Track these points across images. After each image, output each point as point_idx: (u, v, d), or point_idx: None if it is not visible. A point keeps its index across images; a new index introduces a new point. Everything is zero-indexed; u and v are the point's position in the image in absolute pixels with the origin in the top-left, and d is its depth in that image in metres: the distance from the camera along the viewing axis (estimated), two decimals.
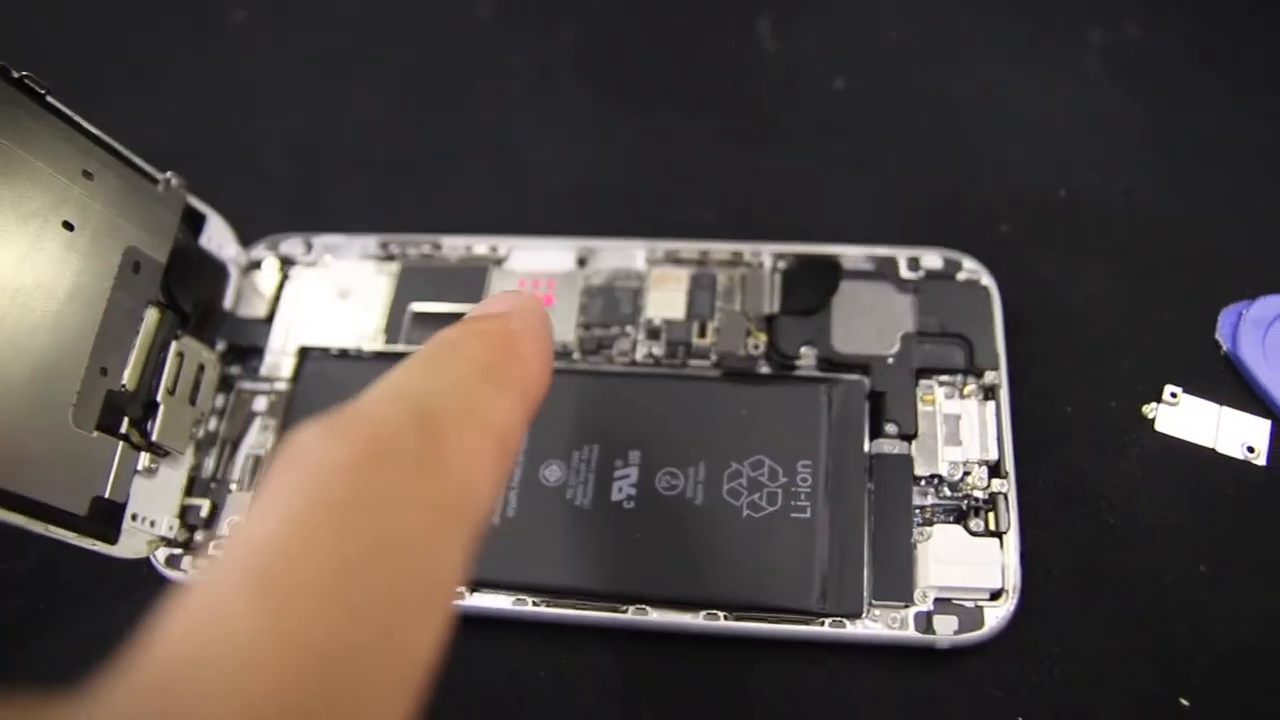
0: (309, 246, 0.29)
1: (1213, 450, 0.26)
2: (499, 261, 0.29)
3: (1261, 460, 0.25)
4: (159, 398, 0.26)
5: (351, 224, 0.30)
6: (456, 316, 0.27)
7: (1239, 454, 0.25)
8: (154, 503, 0.26)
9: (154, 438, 0.25)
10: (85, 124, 0.24)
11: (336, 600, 0.13)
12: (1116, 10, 0.33)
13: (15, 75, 0.22)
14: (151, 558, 0.26)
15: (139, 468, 0.25)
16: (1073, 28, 0.33)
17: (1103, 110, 0.31)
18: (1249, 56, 0.32)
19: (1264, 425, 0.26)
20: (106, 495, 0.24)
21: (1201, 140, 0.30)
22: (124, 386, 0.25)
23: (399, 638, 0.14)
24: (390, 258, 0.29)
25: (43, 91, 0.23)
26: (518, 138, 0.33)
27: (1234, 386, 0.26)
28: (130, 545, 0.25)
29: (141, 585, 0.26)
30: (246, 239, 0.29)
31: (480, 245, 0.29)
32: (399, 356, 0.27)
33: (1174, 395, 0.26)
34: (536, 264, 0.29)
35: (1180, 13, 0.32)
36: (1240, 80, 0.31)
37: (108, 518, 0.24)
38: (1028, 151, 0.31)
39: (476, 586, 0.24)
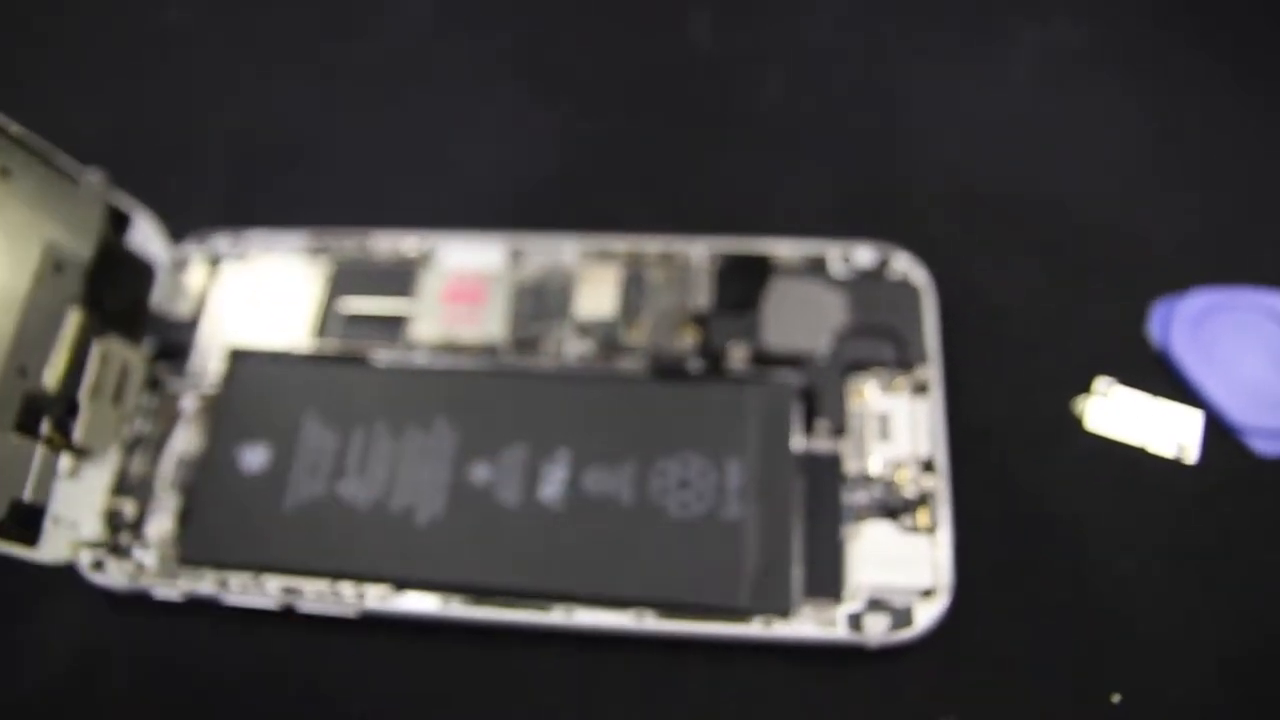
0: (238, 243, 0.29)
1: (1145, 445, 0.26)
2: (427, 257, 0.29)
3: (1193, 455, 0.25)
4: (81, 398, 0.25)
5: (284, 221, 0.30)
6: (390, 316, 0.28)
7: (1170, 449, 0.26)
8: (77, 505, 0.25)
9: (76, 439, 0.25)
10: (2, 121, 0.23)
11: None
12: (1050, 11, 0.33)
13: None
14: (75, 561, 0.25)
15: (61, 470, 0.25)
16: (1007, 28, 0.33)
17: (1034, 108, 0.31)
18: (1178, 57, 0.32)
19: (1196, 420, 0.26)
20: (26, 498, 0.24)
21: (1131, 137, 0.30)
22: (44, 387, 0.24)
23: None
24: (320, 251, 0.29)
25: None
26: (452, 135, 0.32)
27: (1166, 381, 0.26)
28: (52, 549, 0.24)
29: (65, 590, 0.26)
30: (177, 236, 0.29)
31: (409, 240, 0.29)
32: (331, 359, 0.27)
33: (1105, 390, 0.26)
34: (467, 260, 0.28)
35: (1113, 14, 0.33)
36: (1169, 80, 0.31)
37: (27, 520, 0.24)
38: (961, 149, 0.31)
39: (403, 587, 0.24)
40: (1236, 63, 0.32)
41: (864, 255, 0.27)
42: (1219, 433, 0.26)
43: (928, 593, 0.23)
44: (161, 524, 0.26)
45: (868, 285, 0.27)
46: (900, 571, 0.23)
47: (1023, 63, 0.32)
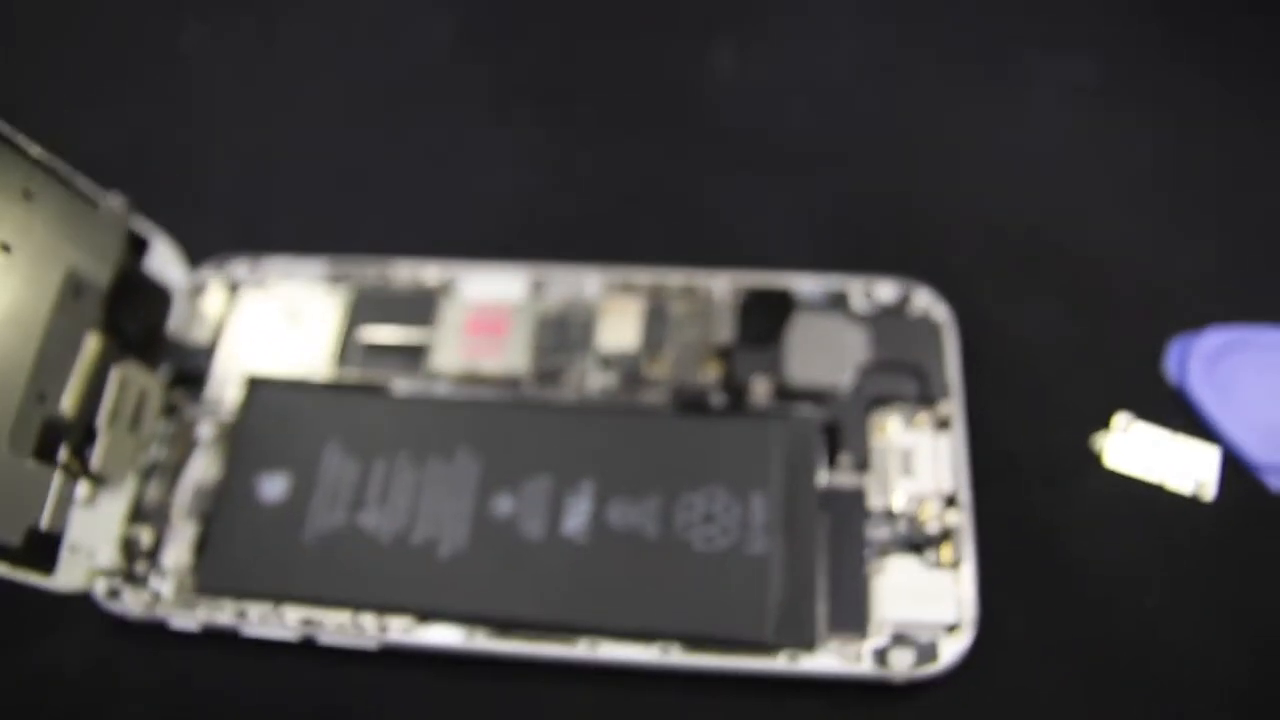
0: (256, 269, 0.29)
1: (1163, 482, 0.26)
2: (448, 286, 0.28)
3: (1210, 492, 0.26)
4: (99, 425, 0.25)
5: (301, 248, 0.29)
6: (410, 345, 0.27)
7: (1189, 486, 0.26)
8: (94, 532, 0.25)
9: (93, 466, 0.25)
10: (25, 143, 0.23)
11: None
12: (1070, 45, 0.33)
13: None
14: (91, 589, 0.25)
15: (78, 497, 0.24)
16: (1026, 60, 0.33)
17: (1053, 142, 0.31)
18: (1197, 93, 0.32)
19: (1213, 457, 0.26)
20: (43, 525, 0.23)
21: (1150, 173, 0.31)
22: (62, 413, 0.24)
23: None
24: (340, 279, 0.29)
25: None
26: (470, 162, 0.32)
27: (1183, 419, 0.27)
28: (68, 577, 0.24)
29: (81, 619, 0.25)
30: (194, 260, 0.29)
31: (431, 269, 0.29)
32: (350, 387, 0.27)
33: (1124, 426, 0.26)
34: (488, 290, 0.28)
35: (1131, 49, 0.33)
36: (1188, 115, 0.32)
37: (44, 549, 0.23)
38: (979, 183, 0.31)
39: (425, 619, 0.24)
40: (1256, 99, 0.32)
41: (886, 290, 0.27)
42: (1236, 470, 0.26)
43: (952, 628, 0.23)
44: (178, 552, 0.25)
45: (890, 320, 0.27)
46: (925, 607, 0.23)
47: (1041, 97, 0.32)
